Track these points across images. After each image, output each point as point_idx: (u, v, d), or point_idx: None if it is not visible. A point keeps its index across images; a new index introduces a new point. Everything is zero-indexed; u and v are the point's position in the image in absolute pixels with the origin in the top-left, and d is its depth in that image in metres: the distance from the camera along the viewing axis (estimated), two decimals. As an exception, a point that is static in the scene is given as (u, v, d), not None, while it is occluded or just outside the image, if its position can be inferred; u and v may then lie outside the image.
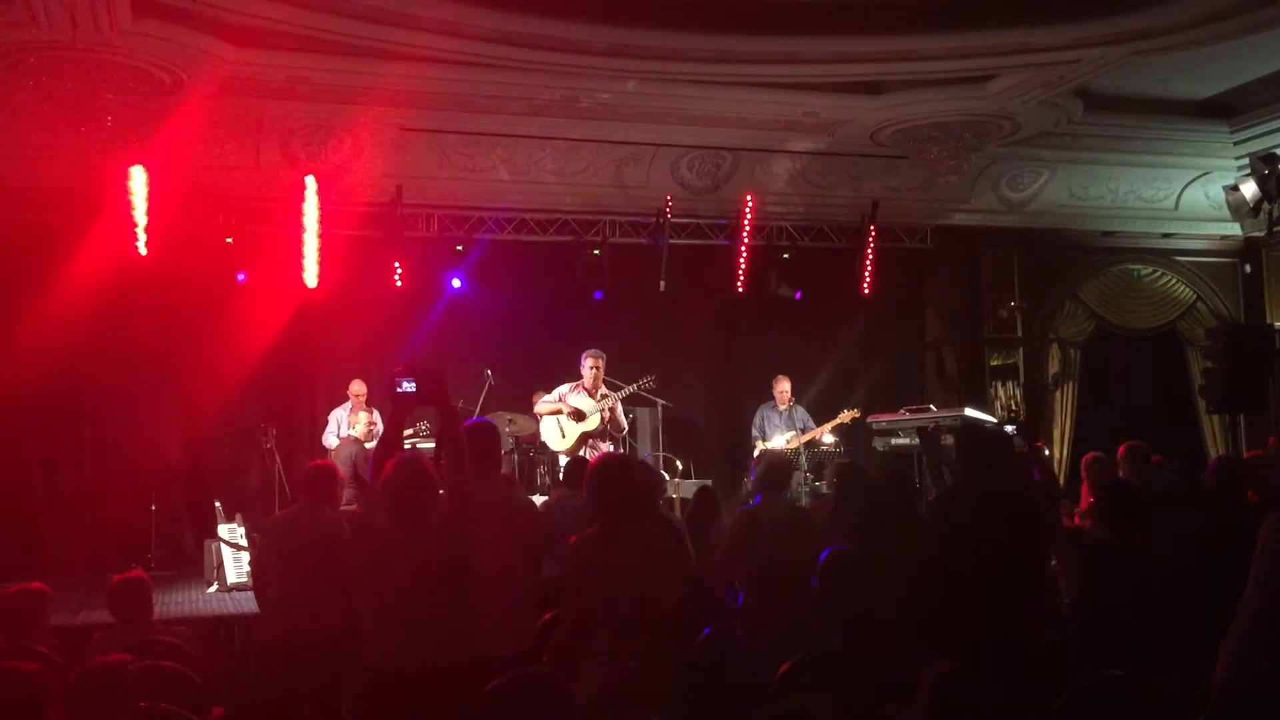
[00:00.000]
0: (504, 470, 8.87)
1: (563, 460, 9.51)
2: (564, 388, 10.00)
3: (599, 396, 9.88)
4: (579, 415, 9.81)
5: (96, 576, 8.47)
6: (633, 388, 10.02)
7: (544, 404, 10.02)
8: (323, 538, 5.33)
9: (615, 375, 10.12)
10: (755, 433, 11.23)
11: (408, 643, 4.03)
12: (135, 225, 9.53)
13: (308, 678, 5.09)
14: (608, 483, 4.42)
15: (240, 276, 10.26)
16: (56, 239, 9.85)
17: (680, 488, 10.11)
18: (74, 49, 7.83)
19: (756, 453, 10.88)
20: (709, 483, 9.42)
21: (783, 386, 11.23)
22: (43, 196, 9.84)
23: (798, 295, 11.87)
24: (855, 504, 4.78)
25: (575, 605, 4.41)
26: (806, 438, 10.86)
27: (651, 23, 8.23)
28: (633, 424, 10.64)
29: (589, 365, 9.90)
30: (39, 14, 7.34)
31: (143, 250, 9.58)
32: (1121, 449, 7.44)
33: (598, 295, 11.25)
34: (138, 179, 9.48)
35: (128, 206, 9.55)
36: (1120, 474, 7.28)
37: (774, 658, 4.67)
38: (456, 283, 10.94)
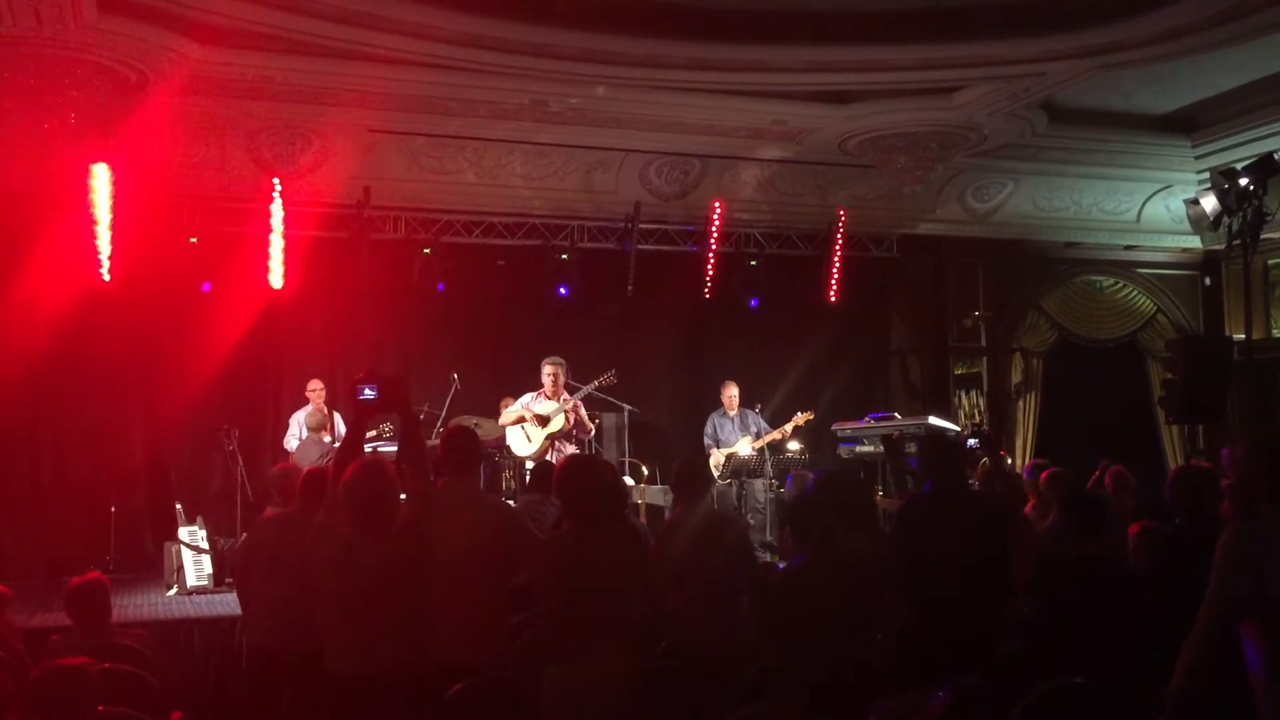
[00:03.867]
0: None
1: (529, 466, 9.47)
2: (526, 397, 9.93)
3: (561, 401, 9.85)
4: (543, 420, 9.77)
5: (55, 578, 8.37)
6: (592, 386, 10.00)
7: (508, 415, 9.93)
8: None
9: (582, 380, 10.08)
10: (708, 441, 11.22)
11: (369, 649, 4.01)
12: (96, 224, 9.43)
13: (292, 685, 5.03)
14: (576, 482, 4.45)
15: (205, 286, 10.21)
16: (16, 238, 9.72)
17: (645, 493, 10.08)
18: (37, 44, 7.72)
19: (711, 460, 10.88)
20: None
21: (730, 392, 11.23)
22: (1, 194, 9.71)
23: (753, 303, 11.89)
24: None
25: (544, 606, 4.41)
26: (762, 442, 10.88)
27: (621, 29, 8.24)
28: (598, 429, 10.59)
29: (548, 372, 9.83)
30: (3, 9, 7.24)
31: (104, 250, 9.47)
32: (1044, 474, 6.84)
33: (562, 291, 11.23)
34: (100, 178, 9.38)
35: (89, 206, 9.44)
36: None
37: (709, 666, 4.66)
38: (438, 287, 10.86)
